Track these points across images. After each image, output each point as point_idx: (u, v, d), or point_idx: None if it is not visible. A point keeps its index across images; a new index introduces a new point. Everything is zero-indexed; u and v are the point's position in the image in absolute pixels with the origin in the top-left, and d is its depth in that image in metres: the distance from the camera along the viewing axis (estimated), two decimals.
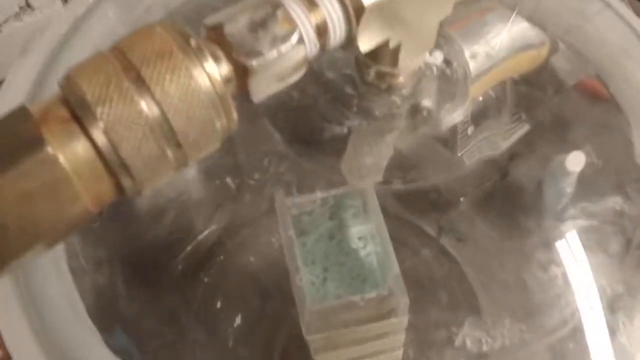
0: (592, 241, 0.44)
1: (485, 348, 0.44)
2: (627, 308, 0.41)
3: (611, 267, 0.44)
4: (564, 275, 0.44)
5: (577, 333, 0.42)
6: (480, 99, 0.46)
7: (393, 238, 0.39)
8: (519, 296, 0.47)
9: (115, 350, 0.39)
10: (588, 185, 0.46)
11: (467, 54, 0.44)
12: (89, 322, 0.38)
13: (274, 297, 0.51)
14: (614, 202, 0.44)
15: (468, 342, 0.44)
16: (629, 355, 0.40)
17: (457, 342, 0.44)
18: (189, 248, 0.53)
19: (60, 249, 0.40)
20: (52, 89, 0.42)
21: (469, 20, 0.46)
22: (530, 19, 0.48)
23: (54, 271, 0.39)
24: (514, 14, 0.47)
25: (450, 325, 0.48)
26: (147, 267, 0.50)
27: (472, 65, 0.44)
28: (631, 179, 0.45)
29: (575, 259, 0.44)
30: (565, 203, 0.47)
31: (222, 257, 0.54)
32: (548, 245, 0.46)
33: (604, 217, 0.44)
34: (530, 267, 0.46)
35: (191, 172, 0.49)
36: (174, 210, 0.51)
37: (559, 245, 0.45)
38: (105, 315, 0.43)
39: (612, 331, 0.40)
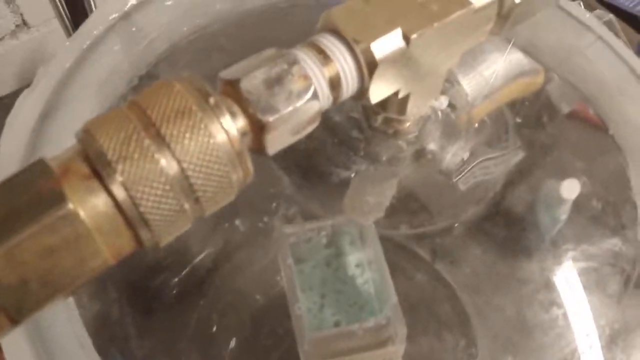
0: (592, 282, 0.45)
1: None
2: (625, 346, 0.42)
3: (610, 306, 0.44)
4: (565, 315, 0.44)
5: None
6: (478, 127, 0.47)
7: (387, 262, 0.39)
8: (519, 334, 0.48)
9: None
10: (588, 226, 0.46)
11: (464, 81, 0.44)
12: (94, 353, 0.38)
13: (269, 321, 0.51)
14: (613, 243, 0.45)
15: None
16: None
17: None
18: (184, 272, 0.52)
19: None
20: (58, 124, 0.43)
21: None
22: (525, 50, 0.49)
23: (61, 306, 0.39)
24: (510, 45, 0.48)
25: (445, 357, 0.48)
26: (142, 291, 0.50)
27: (470, 93, 0.44)
28: (629, 219, 0.45)
29: (575, 299, 0.45)
30: (562, 233, 0.48)
31: (217, 280, 0.54)
32: (549, 286, 0.46)
33: (603, 258, 0.45)
34: (531, 306, 0.46)
35: None
36: None
37: (560, 286, 0.46)
38: (101, 341, 0.43)
39: None
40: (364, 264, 0.40)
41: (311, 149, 0.40)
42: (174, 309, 0.51)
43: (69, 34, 0.71)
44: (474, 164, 0.47)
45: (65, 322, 0.38)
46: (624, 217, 0.46)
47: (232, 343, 0.52)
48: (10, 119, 0.43)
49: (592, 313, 0.44)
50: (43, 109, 0.44)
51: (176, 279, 0.51)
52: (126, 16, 0.49)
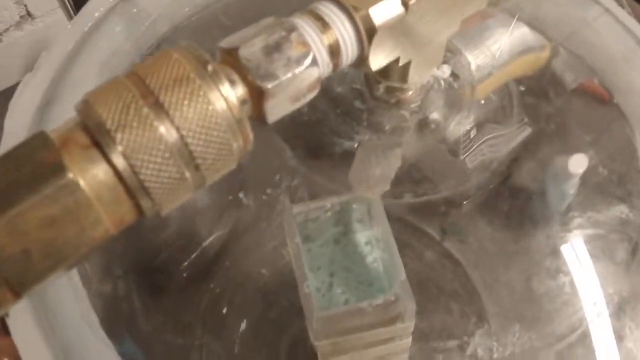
0: (599, 249, 0.44)
1: (495, 356, 0.44)
2: (634, 314, 0.41)
3: (617, 274, 0.44)
4: (572, 283, 0.44)
5: (585, 340, 0.42)
6: (483, 102, 0.47)
7: (397, 241, 0.39)
8: (527, 303, 0.48)
9: (123, 357, 0.39)
10: (594, 194, 0.46)
11: (469, 58, 0.44)
12: (104, 336, 0.38)
13: (279, 301, 0.52)
14: (620, 211, 0.44)
15: (479, 351, 0.44)
16: None
17: (469, 350, 0.45)
18: (194, 254, 0.52)
19: None
20: (61, 106, 0.43)
21: (470, 25, 0.46)
22: (530, 24, 0.48)
23: (67, 285, 0.39)
24: (515, 19, 0.47)
25: (455, 328, 0.48)
26: (153, 275, 0.50)
27: (474, 69, 0.44)
28: (636, 187, 0.45)
29: (582, 267, 0.44)
30: (568, 204, 0.47)
31: (227, 262, 0.54)
32: (555, 254, 0.46)
33: (610, 226, 0.45)
34: (538, 275, 0.46)
35: None
36: (179, 217, 0.51)
37: (567, 254, 0.45)
38: (112, 324, 0.43)
39: (619, 337, 0.41)
40: (373, 242, 0.40)
41: (314, 120, 0.40)
42: (185, 291, 0.51)
43: (70, 19, 0.71)
44: (481, 141, 0.46)
45: (72, 302, 0.38)
46: (631, 185, 0.45)
47: (243, 324, 0.52)
48: (12, 104, 0.43)
49: (600, 281, 0.44)
50: (45, 93, 0.44)
51: (187, 262, 0.51)
52: None
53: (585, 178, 0.45)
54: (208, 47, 0.28)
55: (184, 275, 0.52)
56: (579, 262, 0.45)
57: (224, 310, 0.53)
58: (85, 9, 0.48)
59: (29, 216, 0.23)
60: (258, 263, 0.54)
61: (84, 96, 0.25)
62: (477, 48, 0.45)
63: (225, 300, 0.53)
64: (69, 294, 0.38)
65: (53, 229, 0.24)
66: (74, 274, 0.40)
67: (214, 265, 0.53)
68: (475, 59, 0.45)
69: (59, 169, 0.24)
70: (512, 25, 0.47)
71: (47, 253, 0.24)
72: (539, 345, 0.44)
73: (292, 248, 0.40)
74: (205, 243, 0.53)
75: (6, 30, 1.13)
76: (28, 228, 0.23)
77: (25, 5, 1.13)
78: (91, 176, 0.24)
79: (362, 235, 0.41)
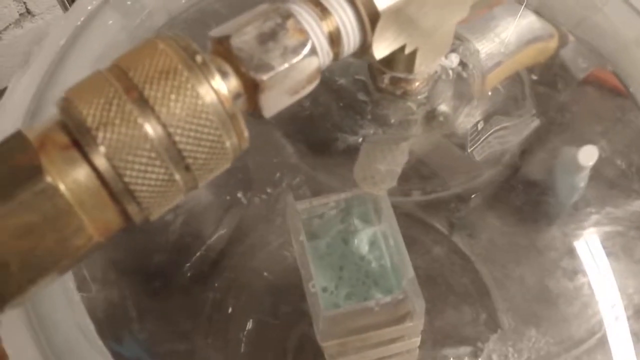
0: (618, 247, 0.43)
1: None
2: None
3: (637, 274, 0.42)
4: (589, 284, 0.42)
5: (604, 345, 0.41)
6: (490, 93, 0.45)
7: (404, 236, 0.38)
8: (541, 304, 0.46)
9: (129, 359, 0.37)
10: (610, 188, 0.44)
11: (478, 47, 0.42)
12: (99, 343, 0.37)
13: (286, 300, 0.50)
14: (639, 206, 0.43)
15: (494, 358, 0.43)
16: None
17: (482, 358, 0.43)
18: (198, 253, 0.51)
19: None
20: (52, 103, 0.41)
21: (477, 15, 0.45)
22: (538, 12, 0.47)
23: (61, 292, 0.38)
24: (522, 7, 0.46)
25: (465, 330, 0.47)
26: (157, 274, 0.49)
27: (481, 60, 0.42)
28: None
29: (600, 266, 0.43)
30: (578, 197, 0.46)
31: (232, 260, 0.53)
32: (571, 252, 0.44)
33: (629, 222, 0.43)
34: (553, 274, 0.44)
35: None
36: (183, 216, 0.50)
37: (583, 252, 0.44)
38: (117, 325, 0.42)
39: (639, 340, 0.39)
40: (380, 238, 0.39)
41: (316, 114, 0.38)
42: (189, 292, 0.50)
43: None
44: (489, 133, 0.45)
45: (65, 308, 0.37)
46: None
47: (249, 324, 0.51)
48: (4, 101, 0.42)
49: (618, 281, 0.42)
50: (37, 90, 0.43)
51: (191, 261, 0.50)
52: None
53: (601, 171, 0.43)
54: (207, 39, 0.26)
55: (188, 275, 0.50)
56: (596, 261, 0.43)
57: (230, 310, 0.51)
58: (78, 2, 0.47)
59: (4, 225, 0.21)
60: (263, 262, 0.53)
61: (65, 92, 0.24)
62: (484, 37, 0.44)
63: (230, 299, 0.51)
64: (63, 301, 0.37)
65: (31, 238, 0.22)
66: (69, 279, 0.39)
67: (219, 264, 0.52)
68: (482, 48, 0.43)
69: (35, 173, 0.22)
70: (520, 14, 0.46)
71: (26, 264, 0.22)
72: (556, 350, 0.42)
73: (296, 246, 0.38)
74: (210, 241, 0.52)
75: (6, 28, 1.12)
76: (3, 238, 0.21)
77: (25, 3, 1.12)
78: (71, 180, 0.22)
79: (368, 232, 0.39)
